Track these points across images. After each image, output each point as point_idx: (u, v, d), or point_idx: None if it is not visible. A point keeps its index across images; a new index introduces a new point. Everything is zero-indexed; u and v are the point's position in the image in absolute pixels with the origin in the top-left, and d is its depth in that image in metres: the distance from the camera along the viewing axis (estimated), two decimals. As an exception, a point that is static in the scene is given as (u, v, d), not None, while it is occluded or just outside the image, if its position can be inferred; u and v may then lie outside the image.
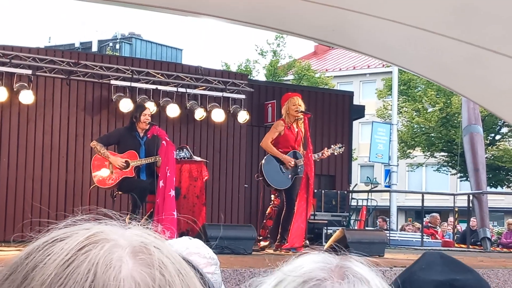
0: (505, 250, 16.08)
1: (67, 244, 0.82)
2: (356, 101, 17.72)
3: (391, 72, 25.52)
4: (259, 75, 33.27)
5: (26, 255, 0.83)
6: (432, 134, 29.11)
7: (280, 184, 9.31)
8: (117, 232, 0.85)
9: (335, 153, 10.16)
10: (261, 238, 9.58)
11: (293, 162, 9.21)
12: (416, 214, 34.88)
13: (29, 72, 11.36)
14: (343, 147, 10.35)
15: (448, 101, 27.96)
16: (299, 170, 9.28)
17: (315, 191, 12.22)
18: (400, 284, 1.44)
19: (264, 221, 9.81)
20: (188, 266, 0.86)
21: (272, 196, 9.71)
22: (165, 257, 0.83)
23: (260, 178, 9.39)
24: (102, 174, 9.18)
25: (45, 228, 0.88)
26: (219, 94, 12.93)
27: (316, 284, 0.97)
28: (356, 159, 31.18)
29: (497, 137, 29.47)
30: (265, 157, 9.44)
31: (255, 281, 1.05)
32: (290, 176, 9.26)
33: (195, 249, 2.52)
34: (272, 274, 1.03)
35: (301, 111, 9.29)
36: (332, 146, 10.15)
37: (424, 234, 16.54)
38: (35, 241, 0.85)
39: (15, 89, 11.16)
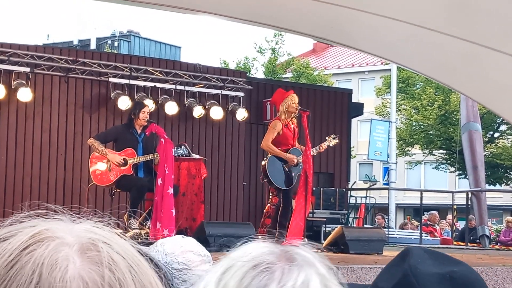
0: (503, 247, 16.08)
1: (10, 244, 0.78)
2: (354, 99, 17.74)
3: (389, 69, 25.51)
4: (258, 72, 33.27)
5: None
6: (431, 132, 29.11)
7: (285, 184, 9.31)
8: (64, 229, 0.80)
9: (331, 145, 10.15)
10: (259, 237, 9.55)
11: (295, 160, 9.21)
12: (415, 211, 34.87)
13: (27, 69, 11.34)
14: (337, 137, 10.35)
15: (447, 99, 27.97)
16: (300, 167, 9.28)
17: (314, 188, 12.21)
18: (401, 278, 1.43)
19: (262, 220, 9.80)
20: (142, 261, 0.82)
21: (271, 194, 9.69)
22: (115, 253, 0.79)
23: (265, 180, 9.37)
24: (100, 171, 9.17)
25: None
26: (218, 91, 12.93)
27: (266, 267, 0.96)
28: (354, 156, 31.20)
29: (496, 134, 29.49)
30: (267, 159, 9.37)
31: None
32: (293, 174, 9.26)
33: (190, 247, 2.51)
34: (218, 261, 1.02)
35: (301, 109, 9.28)
36: (326, 138, 10.14)
37: (422, 231, 16.54)
38: None
39: (13, 87, 11.15)
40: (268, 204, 9.71)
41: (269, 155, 9.37)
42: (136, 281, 0.79)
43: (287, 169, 9.28)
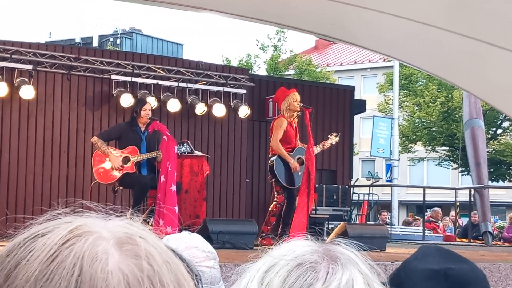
0: (506, 244, 16.08)
1: (50, 239, 0.80)
2: (357, 96, 17.74)
3: (392, 66, 25.50)
4: (260, 70, 33.28)
5: (7, 253, 0.80)
6: (434, 129, 29.10)
7: (293, 182, 9.33)
8: (99, 224, 0.82)
9: (333, 142, 10.15)
10: (263, 235, 9.56)
11: (298, 167, 9.25)
12: (418, 208, 34.85)
13: (30, 67, 11.35)
14: (339, 135, 10.36)
15: (449, 96, 27.95)
16: (304, 165, 9.29)
17: (317, 185, 12.21)
18: (395, 273, 1.45)
19: (267, 218, 9.79)
20: (174, 256, 0.85)
21: (276, 193, 9.68)
22: (151, 247, 0.82)
23: (273, 180, 9.38)
24: (103, 169, 9.18)
25: (23, 225, 0.85)
26: (220, 89, 12.92)
27: (311, 266, 0.97)
28: (357, 153, 31.19)
29: (499, 131, 29.46)
30: (273, 158, 9.37)
31: (243, 267, 1.05)
32: (300, 173, 9.28)
33: (194, 243, 2.52)
34: (260, 259, 1.02)
35: (303, 106, 9.28)
36: (328, 136, 10.15)
37: (425, 228, 16.54)
38: (14, 238, 0.82)
39: (15, 84, 11.16)
40: (274, 203, 9.70)
41: (275, 156, 9.35)
42: (172, 274, 0.81)
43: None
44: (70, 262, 0.77)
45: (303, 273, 0.97)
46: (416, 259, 1.44)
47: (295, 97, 9.28)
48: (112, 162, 9.07)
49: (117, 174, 9.13)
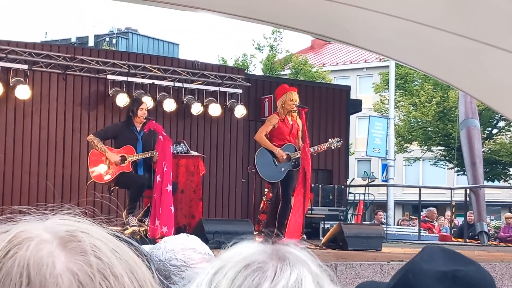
0: (502, 244, 16.10)
1: None
2: (353, 96, 17.73)
3: (388, 66, 25.52)
4: (256, 69, 33.27)
5: None
6: (429, 128, 29.12)
7: (272, 177, 9.28)
8: (38, 227, 0.80)
9: (332, 147, 10.10)
10: (256, 233, 9.55)
11: (285, 156, 9.17)
12: (413, 208, 34.86)
13: (25, 67, 11.34)
14: (341, 142, 10.30)
15: (445, 95, 27.98)
16: (293, 163, 9.24)
17: (312, 185, 12.21)
18: (403, 275, 1.44)
19: (258, 215, 9.77)
20: (120, 243, 0.83)
21: (266, 189, 9.67)
22: (95, 239, 0.80)
23: (253, 170, 9.35)
24: (99, 169, 9.16)
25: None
26: (216, 88, 12.92)
27: (259, 267, 0.96)
28: (353, 153, 31.20)
29: (494, 131, 29.50)
30: (258, 150, 9.39)
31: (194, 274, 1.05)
32: (283, 169, 9.22)
33: (191, 245, 2.51)
34: (209, 263, 1.02)
35: (299, 106, 9.26)
36: (329, 140, 10.08)
37: (421, 228, 16.55)
38: None
39: (11, 84, 11.15)
40: (263, 200, 9.69)
41: (260, 148, 9.37)
42: (122, 263, 0.79)
43: (276, 163, 9.24)
44: (16, 272, 0.75)
45: (251, 273, 0.96)
46: (423, 261, 1.43)
47: (291, 96, 9.25)
48: (110, 158, 9.06)
49: (112, 175, 9.11)
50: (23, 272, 0.75)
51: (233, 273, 0.97)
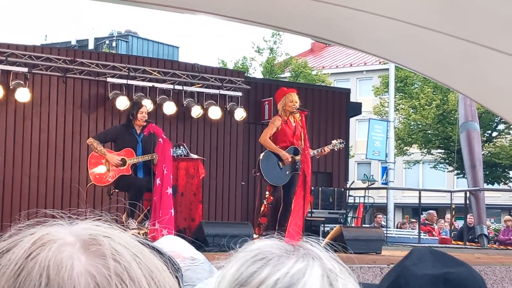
0: (502, 247, 16.10)
1: (14, 253, 0.79)
2: (353, 98, 17.72)
3: (387, 69, 25.53)
4: (256, 72, 33.30)
5: None
6: (429, 131, 29.13)
7: (277, 180, 9.26)
8: (63, 231, 0.82)
9: (336, 149, 10.08)
10: (256, 236, 9.54)
11: (290, 159, 9.17)
12: (413, 211, 34.88)
13: (25, 69, 11.34)
14: (344, 143, 10.29)
15: (445, 98, 27.99)
16: (297, 166, 9.24)
17: (312, 188, 12.20)
18: (394, 279, 1.44)
19: (259, 219, 9.76)
20: (144, 249, 0.84)
21: (267, 192, 9.66)
22: (117, 244, 0.82)
23: (258, 174, 9.33)
24: (99, 171, 9.16)
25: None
26: (216, 91, 12.92)
27: (266, 256, 0.99)
28: (353, 156, 31.19)
29: (494, 134, 29.51)
30: (263, 153, 9.37)
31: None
32: (287, 172, 9.22)
33: (171, 248, 2.47)
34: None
35: (298, 108, 9.26)
36: (332, 141, 10.06)
37: (421, 231, 16.55)
38: None
39: (11, 87, 11.15)
40: (264, 203, 9.67)
41: (265, 151, 9.34)
42: (142, 268, 0.81)
43: (281, 166, 9.23)
44: (36, 273, 0.77)
45: (256, 261, 0.98)
46: (414, 265, 1.43)
47: (291, 97, 9.25)
48: (110, 160, 9.05)
49: (112, 177, 9.11)
50: (43, 273, 0.77)
51: (241, 262, 1.00)
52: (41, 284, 0.76)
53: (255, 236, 9.50)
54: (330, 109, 15.16)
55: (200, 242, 7.88)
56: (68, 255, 0.79)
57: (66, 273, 0.77)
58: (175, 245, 2.48)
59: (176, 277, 0.88)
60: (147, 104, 10.95)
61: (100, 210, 0.94)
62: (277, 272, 0.96)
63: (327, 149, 9.82)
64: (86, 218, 0.87)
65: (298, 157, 9.22)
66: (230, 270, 0.99)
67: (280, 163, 9.23)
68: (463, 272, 1.41)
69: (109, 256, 0.80)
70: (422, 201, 16.25)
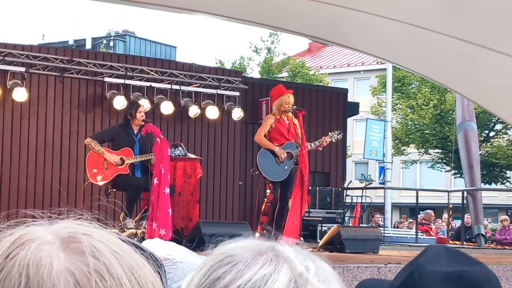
0: (499, 246, 16.11)
1: None
2: (350, 98, 17.75)
3: (385, 69, 25.53)
4: (253, 72, 33.27)
5: None
6: (426, 131, 29.15)
7: (276, 176, 9.24)
8: (42, 230, 0.82)
9: (333, 140, 10.04)
10: (258, 235, 9.54)
11: (285, 155, 9.14)
12: (411, 211, 34.93)
13: (23, 69, 11.33)
14: (341, 134, 10.25)
15: (442, 98, 28.01)
16: (295, 160, 9.21)
17: (310, 188, 12.20)
18: (407, 276, 1.43)
19: (260, 217, 9.77)
20: (125, 246, 0.84)
21: (268, 191, 9.66)
22: (96, 241, 0.81)
23: (257, 172, 9.32)
24: (97, 170, 9.15)
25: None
26: (213, 91, 12.92)
27: (234, 259, 0.96)
28: (350, 156, 31.20)
29: (491, 133, 29.53)
30: (259, 151, 9.36)
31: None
32: (286, 167, 9.19)
33: (150, 248, 2.45)
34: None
35: (296, 108, 9.25)
36: (329, 133, 10.01)
37: (418, 230, 16.56)
38: None
39: (8, 87, 11.14)
40: (265, 202, 9.68)
41: (262, 148, 9.33)
42: (122, 264, 0.81)
43: (279, 162, 9.21)
44: (16, 272, 0.77)
45: (223, 265, 0.95)
46: (428, 262, 1.43)
47: (288, 99, 9.23)
48: (109, 159, 9.04)
49: (110, 176, 9.10)
50: (22, 272, 0.77)
51: (210, 266, 0.97)
52: (20, 283, 0.76)
53: (257, 235, 9.50)
54: (328, 109, 15.17)
55: (198, 241, 7.88)
56: (47, 253, 0.79)
57: (45, 272, 0.77)
58: (150, 246, 2.46)
59: (159, 273, 0.87)
60: (145, 104, 10.96)
61: (81, 208, 0.94)
62: (240, 279, 0.93)
63: (327, 139, 9.77)
64: (66, 218, 0.87)
65: (297, 151, 9.18)
66: (199, 273, 0.97)
67: (278, 159, 9.21)
68: (478, 270, 1.41)
69: (88, 253, 0.79)
70: (419, 201, 16.27)
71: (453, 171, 28.12)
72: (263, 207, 9.72)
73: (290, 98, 9.26)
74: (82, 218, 0.88)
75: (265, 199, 9.69)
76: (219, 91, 12.94)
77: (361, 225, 16.49)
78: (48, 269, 0.77)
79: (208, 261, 0.98)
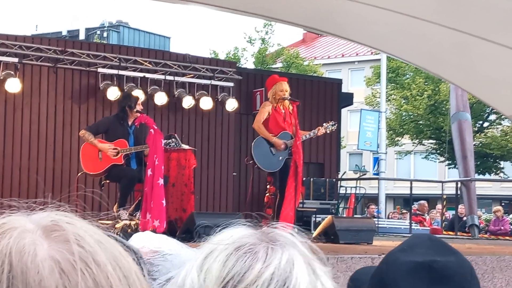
0: (493, 237, 16.16)
1: None
2: (344, 89, 17.73)
3: (379, 59, 25.53)
4: (248, 63, 33.24)
5: None
6: (421, 122, 29.19)
7: (270, 166, 9.21)
8: (22, 219, 0.81)
9: (328, 131, 10.02)
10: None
11: (283, 146, 9.12)
12: (405, 201, 34.97)
13: (16, 60, 11.28)
14: (335, 125, 10.23)
15: (437, 89, 28.04)
16: (289, 151, 9.18)
17: (304, 179, 12.20)
18: (379, 265, 1.43)
19: (264, 210, 9.72)
20: (106, 236, 0.83)
21: (268, 184, 9.62)
22: (80, 229, 0.80)
23: (250, 162, 9.28)
24: (91, 161, 9.12)
25: None
26: (207, 82, 12.90)
27: (250, 249, 0.97)
28: (344, 147, 31.24)
29: (485, 124, 29.58)
30: (255, 140, 9.31)
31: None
32: (280, 158, 9.15)
33: (140, 242, 2.43)
34: (200, 248, 1.02)
35: (290, 98, 9.23)
36: (324, 124, 9.99)
37: (412, 221, 16.60)
38: None
39: (1, 77, 11.10)
40: (267, 194, 9.64)
41: (258, 136, 9.27)
42: (106, 252, 0.80)
43: (273, 152, 9.17)
44: None
45: (242, 255, 0.97)
46: (401, 251, 1.42)
47: (281, 86, 9.19)
48: (103, 149, 9.01)
49: (104, 166, 9.08)
50: (5, 259, 0.76)
51: (224, 256, 0.97)
52: (3, 271, 0.75)
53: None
54: (322, 99, 15.15)
55: (192, 232, 7.87)
56: (30, 241, 0.77)
57: (29, 259, 0.76)
58: (140, 239, 2.43)
59: (139, 264, 0.87)
60: (139, 95, 10.90)
61: (59, 199, 0.93)
62: (269, 266, 0.94)
63: (322, 129, 9.74)
64: (45, 208, 0.86)
65: (290, 141, 9.14)
66: (214, 265, 0.96)
67: (272, 149, 9.17)
68: (451, 261, 1.39)
69: (72, 241, 0.78)
70: (413, 192, 16.30)
71: (447, 162, 28.17)
72: (265, 200, 9.68)
73: (284, 85, 9.21)
74: (61, 208, 0.86)
75: (267, 192, 9.65)
76: (213, 82, 12.92)
77: (355, 216, 16.52)
78: (32, 256, 0.76)
79: (220, 252, 0.98)
